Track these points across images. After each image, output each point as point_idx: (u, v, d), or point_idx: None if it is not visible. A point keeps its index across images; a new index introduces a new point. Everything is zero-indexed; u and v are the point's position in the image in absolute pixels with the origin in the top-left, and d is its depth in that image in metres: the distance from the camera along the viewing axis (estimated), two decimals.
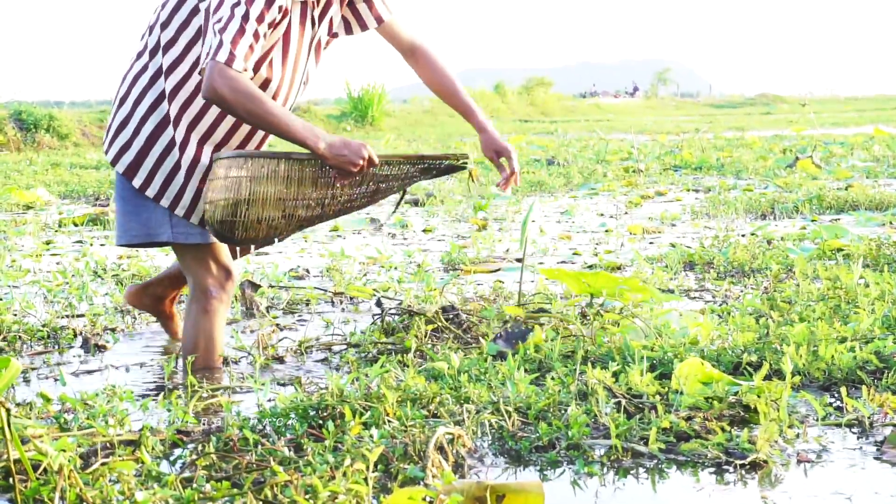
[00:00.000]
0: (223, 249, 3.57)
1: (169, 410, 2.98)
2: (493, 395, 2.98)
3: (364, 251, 6.81)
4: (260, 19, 3.13)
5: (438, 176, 3.56)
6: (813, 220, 8.00)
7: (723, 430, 2.75)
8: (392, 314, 4.14)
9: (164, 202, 3.43)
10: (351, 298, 5.09)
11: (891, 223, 7.57)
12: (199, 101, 3.36)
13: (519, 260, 6.20)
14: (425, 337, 3.88)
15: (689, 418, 2.84)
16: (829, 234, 6.47)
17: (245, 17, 3.11)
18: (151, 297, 4.14)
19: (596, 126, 29.26)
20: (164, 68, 3.34)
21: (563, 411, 2.88)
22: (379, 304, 4.34)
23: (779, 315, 3.84)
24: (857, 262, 4.78)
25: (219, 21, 3.11)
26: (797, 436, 2.81)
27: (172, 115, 3.35)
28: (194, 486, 2.35)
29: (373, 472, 2.43)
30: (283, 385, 3.50)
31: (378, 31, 3.55)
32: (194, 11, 3.30)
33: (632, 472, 2.62)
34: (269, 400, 3.18)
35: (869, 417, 2.94)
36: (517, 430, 2.81)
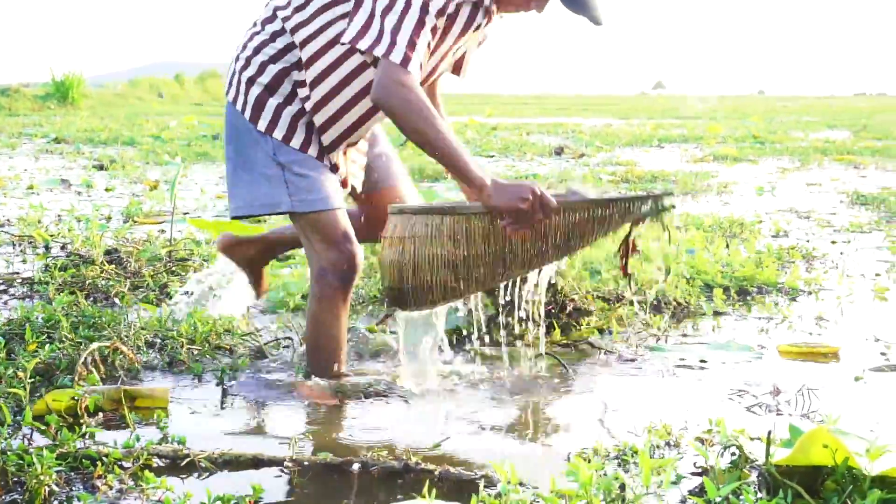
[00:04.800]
0: (348, 226, 3.02)
1: None
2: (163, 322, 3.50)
3: (58, 205, 7.38)
4: (441, 12, 2.72)
5: (638, 222, 2.94)
6: None
7: None
8: (60, 256, 4.42)
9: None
10: (30, 242, 5.40)
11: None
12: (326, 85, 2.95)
13: (185, 213, 6.98)
14: (100, 273, 4.36)
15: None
16: None
17: (424, 9, 2.68)
18: (241, 255, 3.69)
19: None
20: (297, 42, 2.93)
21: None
22: (46, 247, 4.56)
23: None
24: None
25: (390, 9, 2.68)
26: None
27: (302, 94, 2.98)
28: None
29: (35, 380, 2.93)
30: None
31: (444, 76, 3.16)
32: None
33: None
34: None
35: None
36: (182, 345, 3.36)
